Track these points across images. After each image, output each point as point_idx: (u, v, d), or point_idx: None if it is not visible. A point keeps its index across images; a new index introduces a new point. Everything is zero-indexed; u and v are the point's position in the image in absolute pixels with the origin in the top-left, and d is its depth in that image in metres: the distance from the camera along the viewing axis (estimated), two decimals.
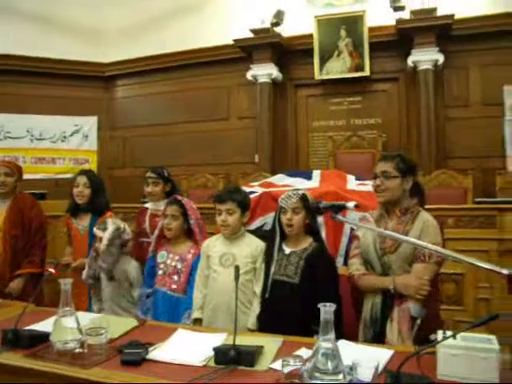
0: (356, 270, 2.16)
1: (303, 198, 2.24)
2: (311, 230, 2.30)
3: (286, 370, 1.45)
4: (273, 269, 2.24)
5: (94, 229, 2.72)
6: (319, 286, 2.13)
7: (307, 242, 2.27)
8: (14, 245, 3.11)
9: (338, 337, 1.49)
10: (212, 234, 2.58)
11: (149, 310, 2.58)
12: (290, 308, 2.14)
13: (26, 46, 6.36)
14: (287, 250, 2.27)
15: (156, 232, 2.71)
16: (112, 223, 2.72)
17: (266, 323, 2.19)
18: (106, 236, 2.62)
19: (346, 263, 2.55)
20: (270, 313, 2.21)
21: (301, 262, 2.20)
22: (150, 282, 2.63)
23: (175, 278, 2.54)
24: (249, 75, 6.04)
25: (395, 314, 2.00)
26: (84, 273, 2.74)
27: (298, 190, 2.32)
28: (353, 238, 2.30)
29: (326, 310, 1.31)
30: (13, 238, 3.11)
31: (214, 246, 2.44)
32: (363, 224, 2.20)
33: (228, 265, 2.33)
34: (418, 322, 1.95)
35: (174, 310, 2.50)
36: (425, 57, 5.27)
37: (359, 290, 2.16)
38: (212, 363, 1.58)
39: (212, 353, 1.61)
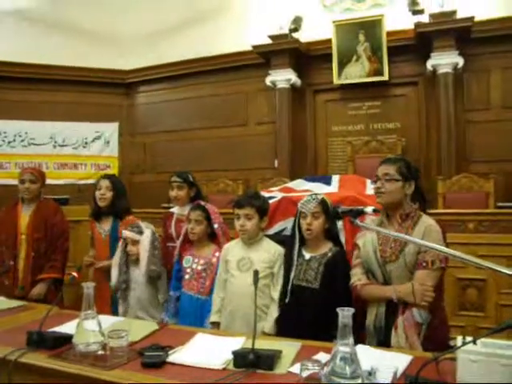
0: (358, 280, 2.13)
1: (322, 203, 2.24)
2: (331, 234, 2.30)
3: (305, 373, 1.45)
4: (293, 274, 2.25)
5: (126, 231, 2.78)
6: (338, 291, 2.13)
7: (327, 247, 2.27)
8: (37, 249, 3.17)
9: (357, 342, 1.50)
10: (232, 238, 2.61)
11: (176, 313, 2.64)
12: (309, 313, 2.14)
13: (48, 54, 6.50)
14: (307, 255, 2.27)
15: (180, 237, 2.76)
16: (146, 226, 2.79)
17: (286, 328, 2.19)
18: (147, 240, 2.71)
19: None
20: (289, 317, 2.21)
21: (320, 268, 2.21)
22: (177, 285, 2.68)
23: (201, 281, 2.59)
24: (267, 81, 6.07)
25: (400, 322, 1.97)
26: (114, 278, 2.78)
27: (317, 194, 2.33)
28: (353, 246, 2.26)
29: (344, 314, 1.31)
30: (35, 242, 3.17)
31: (233, 250, 2.47)
32: (381, 229, 2.18)
33: (245, 269, 2.35)
34: (424, 327, 1.93)
35: (200, 313, 2.54)
36: (444, 60, 5.22)
37: (362, 300, 2.13)
38: (231, 366, 1.60)
39: (231, 356, 1.62)
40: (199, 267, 2.61)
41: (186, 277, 2.63)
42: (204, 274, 2.59)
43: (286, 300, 2.23)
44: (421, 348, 1.89)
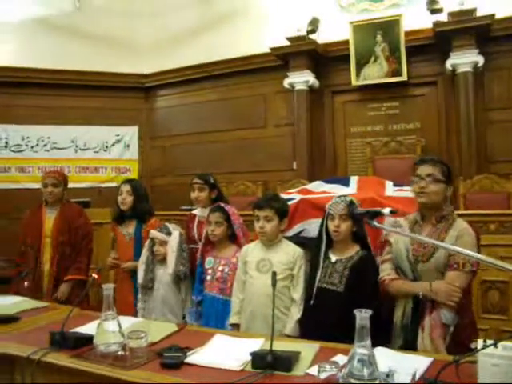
0: (387, 275, 2.13)
1: (351, 205, 2.20)
2: (358, 237, 2.28)
3: (323, 375, 1.46)
4: (318, 276, 2.24)
5: (154, 232, 2.85)
6: (364, 295, 2.11)
7: (354, 250, 2.26)
8: (62, 251, 3.24)
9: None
10: (252, 240, 2.63)
11: (199, 317, 2.66)
12: (332, 316, 2.13)
13: (68, 59, 6.61)
14: (333, 258, 2.27)
15: (202, 239, 2.79)
16: (173, 228, 2.86)
17: (309, 330, 2.19)
18: (175, 241, 2.78)
19: None
20: (312, 320, 2.21)
21: (346, 271, 2.20)
22: (200, 288, 2.71)
23: (223, 282, 2.61)
24: (286, 83, 6.07)
25: (427, 322, 1.96)
26: (140, 277, 2.85)
27: (345, 196, 2.30)
28: (384, 242, 2.26)
29: (362, 316, 1.31)
30: (60, 244, 3.24)
31: (252, 251, 2.48)
32: (399, 230, 2.17)
33: (265, 271, 2.36)
34: (451, 329, 1.91)
35: (222, 314, 2.56)
36: (464, 59, 5.14)
37: (389, 296, 2.13)
38: (249, 368, 1.60)
39: (249, 357, 1.63)
40: (220, 268, 2.64)
41: (208, 278, 2.67)
42: (226, 274, 2.61)
43: (311, 302, 2.23)
44: (445, 350, 1.87)
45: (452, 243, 1.99)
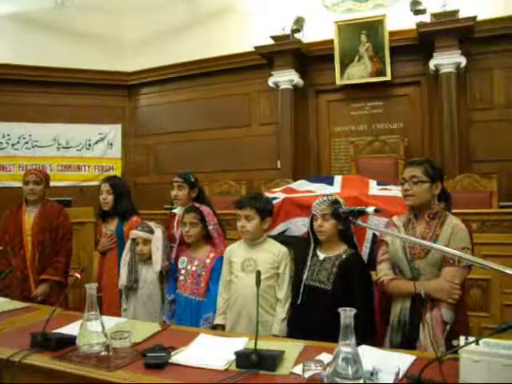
0: (385, 276, 2.15)
1: (334, 204, 2.20)
2: (345, 236, 2.28)
3: (307, 374, 1.46)
4: (305, 274, 2.24)
5: (136, 231, 2.81)
6: (352, 293, 2.11)
7: (341, 249, 2.26)
8: (42, 250, 3.20)
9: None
10: (233, 239, 2.61)
11: (174, 315, 2.64)
12: (320, 314, 2.13)
13: (50, 56, 6.54)
14: (321, 256, 2.27)
15: (177, 239, 2.77)
16: (155, 225, 2.83)
17: (297, 329, 2.19)
18: (159, 239, 2.76)
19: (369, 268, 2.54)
20: (300, 318, 2.21)
21: (334, 269, 2.20)
22: (174, 287, 2.69)
23: (196, 282, 2.59)
24: (270, 82, 6.07)
25: (428, 319, 1.99)
26: (123, 277, 2.81)
27: (329, 195, 2.31)
28: (380, 242, 2.28)
29: (346, 314, 1.31)
30: (40, 243, 3.20)
31: (236, 251, 2.47)
32: (385, 229, 2.19)
33: (250, 270, 2.35)
34: (448, 325, 1.94)
35: (195, 314, 2.54)
36: (447, 60, 5.20)
37: (387, 295, 2.15)
38: (233, 367, 1.60)
39: (234, 357, 1.63)
40: (193, 268, 2.61)
41: (181, 278, 2.64)
42: (198, 275, 2.59)
43: (298, 301, 2.23)
44: (444, 348, 1.89)
45: (447, 238, 2.04)
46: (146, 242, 2.78)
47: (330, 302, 2.11)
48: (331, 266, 2.21)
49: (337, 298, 2.09)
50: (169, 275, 2.79)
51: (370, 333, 2.06)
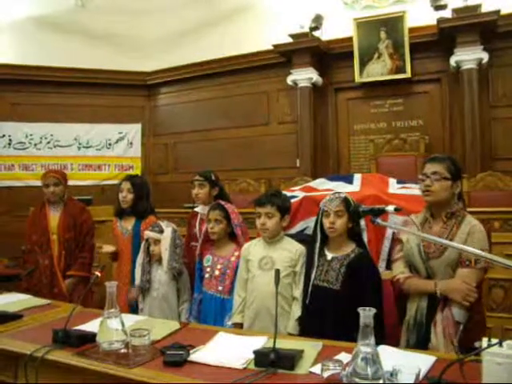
0: (401, 273, 2.13)
1: (346, 201, 2.19)
2: (354, 234, 2.25)
3: (326, 374, 1.45)
4: (313, 274, 2.22)
5: (147, 231, 2.82)
6: (362, 293, 2.07)
7: (350, 248, 2.22)
8: (68, 247, 3.30)
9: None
10: (253, 238, 2.61)
11: (199, 313, 2.66)
12: (330, 314, 2.12)
13: (71, 57, 6.62)
14: (329, 256, 2.23)
15: (201, 236, 2.78)
16: (167, 225, 2.82)
17: (309, 328, 2.18)
18: (167, 238, 2.75)
19: (388, 267, 2.51)
20: (311, 318, 2.20)
21: (342, 269, 2.17)
22: (201, 286, 2.70)
23: (221, 280, 2.60)
24: (289, 80, 6.05)
25: (439, 319, 1.96)
26: (137, 278, 2.83)
27: (340, 193, 2.28)
28: (396, 241, 2.26)
29: (366, 314, 1.30)
30: (66, 241, 3.30)
31: (254, 249, 2.46)
32: (405, 228, 2.16)
33: (267, 268, 2.35)
34: (461, 327, 1.90)
35: (220, 312, 2.56)
36: (468, 56, 5.10)
37: (403, 293, 2.13)
38: (252, 366, 1.60)
39: (252, 356, 1.63)
40: (219, 266, 2.62)
41: (206, 276, 2.66)
42: (224, 273, 2.60)
43: (307, 301, 2.21)
44: (457, 348, 1.86)
45: (464, 239, 2.00)
46: (157, 242, 2.78)
47: (338, 302, 2.10)
48: (339, 266, 2.17)
49: (345, 298, 2.07)
50: (182, 276, 2.79)
51: (380, 335, 2.03)
